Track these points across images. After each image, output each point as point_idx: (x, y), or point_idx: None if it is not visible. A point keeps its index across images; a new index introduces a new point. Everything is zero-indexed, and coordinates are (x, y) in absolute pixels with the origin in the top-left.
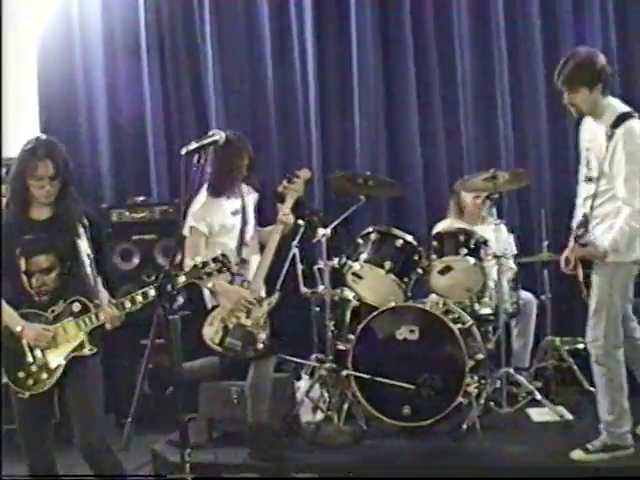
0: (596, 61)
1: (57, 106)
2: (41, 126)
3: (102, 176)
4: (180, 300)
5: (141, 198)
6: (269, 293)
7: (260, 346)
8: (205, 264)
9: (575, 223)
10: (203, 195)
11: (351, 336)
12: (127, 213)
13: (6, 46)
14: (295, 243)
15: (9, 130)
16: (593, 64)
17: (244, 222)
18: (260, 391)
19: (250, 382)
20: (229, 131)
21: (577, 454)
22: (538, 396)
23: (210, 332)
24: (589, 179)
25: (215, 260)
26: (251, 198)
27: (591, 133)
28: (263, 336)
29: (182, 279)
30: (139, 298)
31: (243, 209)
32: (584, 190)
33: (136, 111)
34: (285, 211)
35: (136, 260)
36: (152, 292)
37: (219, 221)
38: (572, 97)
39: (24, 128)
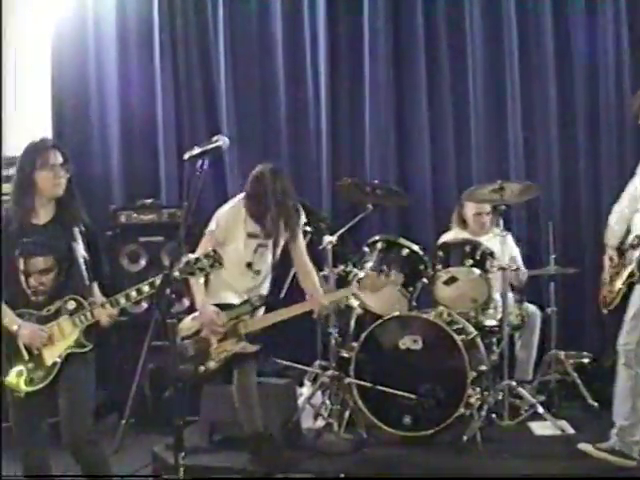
0: None
1: (69, 107)
2: (53, 127)
3: (112, 177)
4: (186, 303)
5: (149, 200)
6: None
7: (201, 369)
8: (197, 260)
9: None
10: (236, 200)
11: (354, 344)
12: (135, 215)
13: (21, 47)
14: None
15: (23, 131)
16: None
17: (260, 247)
18: (246, 398)
19: (235, 390)
20: (266, 165)
21: (584, 446)
22: (540, 409)
23: (186, 324)
24: None
25: (207, 256)
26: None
27: None
28: (211, 365)
29: (176, 275)
30: (133, 294)
31: (267, 239)
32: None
33: (147, 113)
34: (324, 301)
35: (143, 262)
36: (146, 288)
37: (232, 235)
38: None
39: (36, 129)
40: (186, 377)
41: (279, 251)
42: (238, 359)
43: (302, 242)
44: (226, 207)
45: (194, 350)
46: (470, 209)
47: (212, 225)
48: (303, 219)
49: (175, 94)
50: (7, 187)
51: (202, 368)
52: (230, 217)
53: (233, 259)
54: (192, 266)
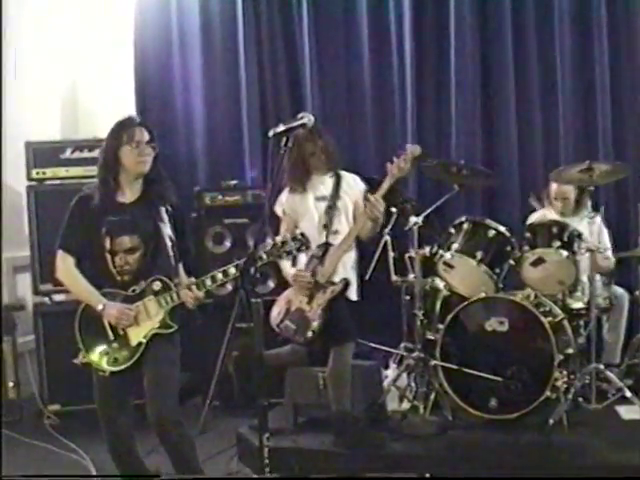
0: None
1: (153, 88)
2: (137, 108)
3: (196, 159)
4: (270, 285)
5: (234, 182)
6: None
7: (309, 334)
8: (284, 243)
9: None
10: None
11: (440, 326)
12: (220, 196)
13: (104, 27)
14: (387, 230)
15: (106, 110)
16: None
17: (330, 209)
18: (339, 378)
19: (329, 369)
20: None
21: None
22: (628, 393)
23: (274, 313)
24: None
25: (294, 239)
26: (348, 188)
27: None
28: (315, 324)
29: (263, 257)
30: (219, 276)
31: (332, 196)
32: None
33: (232, 94)
34: (373, 200)
35: (228, 244)
36: (232, 270)
37: (298, 208)
38: None
39: (120, 108)
40: (280, 357)
41: (350, 212)
42: (336, 337)
43: (361, 205)
44: (284, 191)
45: (294, 324)
46: (553, 190)
47: (278, 209)
48: (362, 184)
49: (259, 75)
50: (82, 170)
51: (309, 333)
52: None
53: (310, 227)
54: (279, 249)
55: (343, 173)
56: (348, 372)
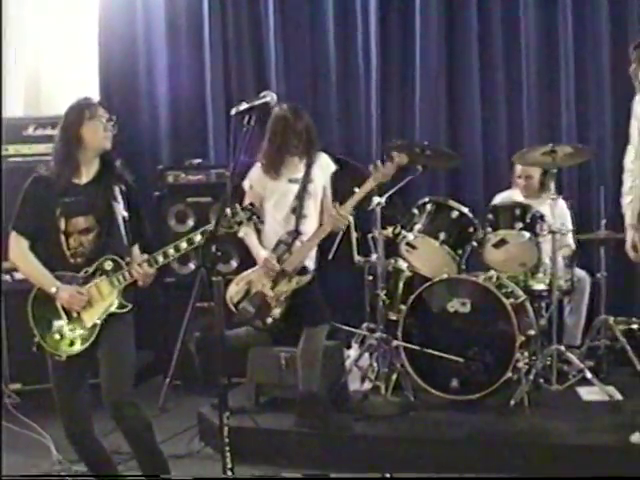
0: None
1: (116, 67)
2: (100, 86)
3: (160, 138)
4: (233, 264)
5: (198, 160)
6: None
7: (269, 320)
8: (235, 213)
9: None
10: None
11: (403, 306)
12: (183, 175)
13: (69, 9)
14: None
15: (69, 89)
16: None
17: (301, 192)
18: (310, 359)
19: (301, 349)
20: (285, 104)
21: (637, 437)
22: (589, 375)
23: (232, 291)
24: None
25: (244, 209)
26: (320, 171)
27: None
28: (277, 312)
29: (218, 230)
30: (171, 252)
31: (303, 181)
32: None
33: (196, 75)
34: (340, 214)
35: (191, 222)
36: (184, 245)
37: (269, 188)
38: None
39: (84, 88)
40: (242, 337)
41: (320, 192)
42: (311, 317)
43: (329, 191)
44: (254, 169)
45: (253, 307)
46: (517, 171)
47: (246, 183)
48: (332, 166)
49: (224, 56)
50: (45, 147)
51: (269, 319)
52: (258, 174)
53: (279, 209)
54: (230, 220)
55: (319, 154)
56: (320, 353)
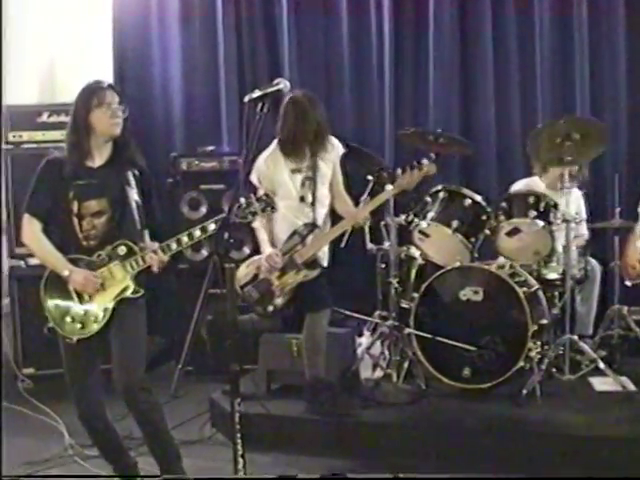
0: None
1: (130, 54)
2: (114, 73)
3: (173, 124)
4: (246, 251)
5: (211, 148)
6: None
7: (270, 309)
8: (249, 204)
9: None
10: (271, 147)
11: (415, 294)
12: (196, 162)
13: None
14: (363, 198)
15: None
16: None
17: (307, 181)
18: (314, 344)
19: (304, 336)
20: (300, 90)
21: None
22: (601, 365)
23: (241, 273)
24: None
25: (259, 200)
26: (328, 156)
27: None
28: (279, 301)
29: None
30: (185, 239)
31: (312, 169)
32: None
33: (210, 62)
34: (363, 213)
35: (203, 209)
36: (197, 233)
37: (273, 179)
38: None
39: (98, 74)
40: (254, 324)
41: (327, 181)
42: (312, 303)
43: (339, 174)
44: (264, 155)
45: (258, 293)
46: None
47: (254, 176)
48: (341, 148)
49: (237, 43)
50: (59, 134)
51: (270, 308)
52: (270, 162)
53: (286, 199)
54: (244, 210)
55: (327, 138)
56: (323, 339)
